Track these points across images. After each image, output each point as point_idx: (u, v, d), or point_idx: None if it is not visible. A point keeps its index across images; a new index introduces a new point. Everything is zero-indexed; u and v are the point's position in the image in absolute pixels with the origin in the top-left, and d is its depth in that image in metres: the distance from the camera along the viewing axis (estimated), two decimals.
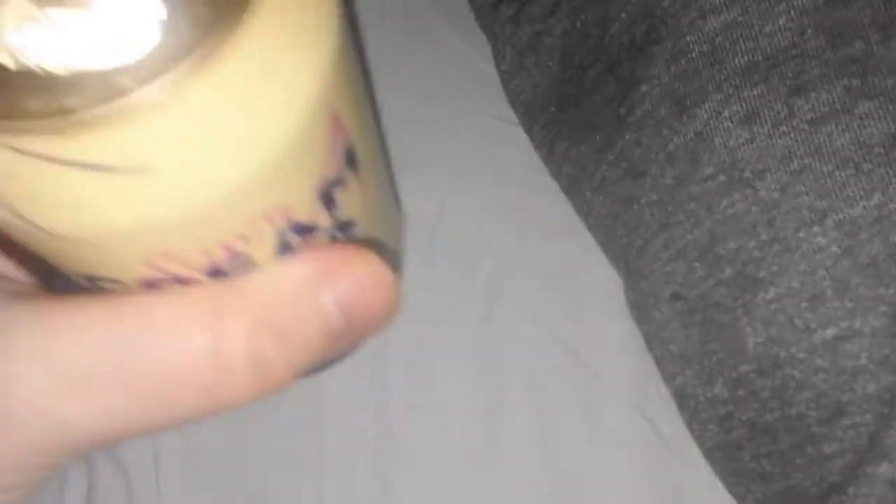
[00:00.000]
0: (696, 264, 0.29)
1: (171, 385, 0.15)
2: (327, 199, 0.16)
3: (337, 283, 0.16)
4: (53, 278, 0.16)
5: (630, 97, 0.31)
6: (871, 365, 0.25)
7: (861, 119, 0.25)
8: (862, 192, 0.25)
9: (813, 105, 0.26)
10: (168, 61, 0.12)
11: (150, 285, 0.15)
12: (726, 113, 0.28)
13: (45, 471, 0.16)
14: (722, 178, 0.28)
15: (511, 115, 0.39)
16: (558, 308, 0.37)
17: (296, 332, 0.16)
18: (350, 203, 0.17)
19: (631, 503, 0.34)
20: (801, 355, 0.27)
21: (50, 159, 0.12)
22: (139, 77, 0.12)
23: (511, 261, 0.37)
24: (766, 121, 0.27)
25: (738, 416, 0.29)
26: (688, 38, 0.29)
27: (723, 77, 0.28)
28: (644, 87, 0.30)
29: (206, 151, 0.13)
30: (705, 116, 0.28)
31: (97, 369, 0.15)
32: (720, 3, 0.28)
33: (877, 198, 0.25)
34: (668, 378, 0.32)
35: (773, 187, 0.27)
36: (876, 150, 0.25)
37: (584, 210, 0.35)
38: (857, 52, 0.26)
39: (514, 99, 0.38)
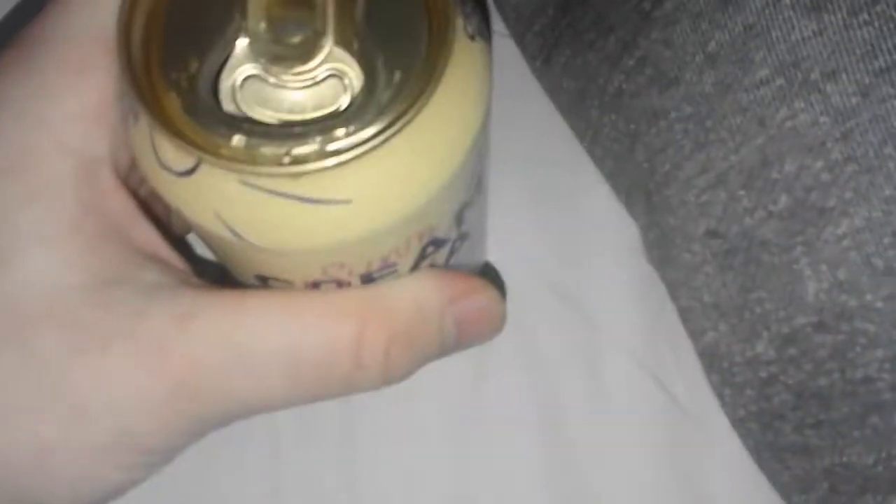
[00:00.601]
0: (742, 192, 0.23)
1: (318, 371, 0.18)
2: (459, 218, 0.20)
3: (459, 306, 0.20)
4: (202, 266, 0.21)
5: None
6: None
7: None
8: None
9: None
10: (373, 121, 0.15)
11: (314, 285, 0.18)
12: None
13: (193, 440, 0.19)
14: (780, 81, 0.22)
15: (498, 24, 0.33)
16: (554, 250, 0.31)
17: (420, 342, 0.19)
18: (471, 218, 0.21)
19: (639, 478, 0.29)
20: (879, 304, 0.21)
21: (274, 193, 0.16)
22: (351, 132, 0.15)
23: (498, 196, 0.31)
24: (839, 7, 0.21)
25: (785, 379, 0.24)
26: None
27: None
28: None
29: (391, 189, 0.16)
30: (759, 4, 0.22)
31: (268, 352, 0.18)
32: None
33: None
34: (695, 334, 0.26)
35: (849, 91, 0.21)
36: None
37: (588, 133, 0.29)
38: None
39: (503, 2, 0.32)
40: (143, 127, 0.17)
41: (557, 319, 0.30)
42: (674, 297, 0.27)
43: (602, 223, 0.31)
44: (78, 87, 0.18)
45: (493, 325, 0.21)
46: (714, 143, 0.24)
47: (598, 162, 0.30)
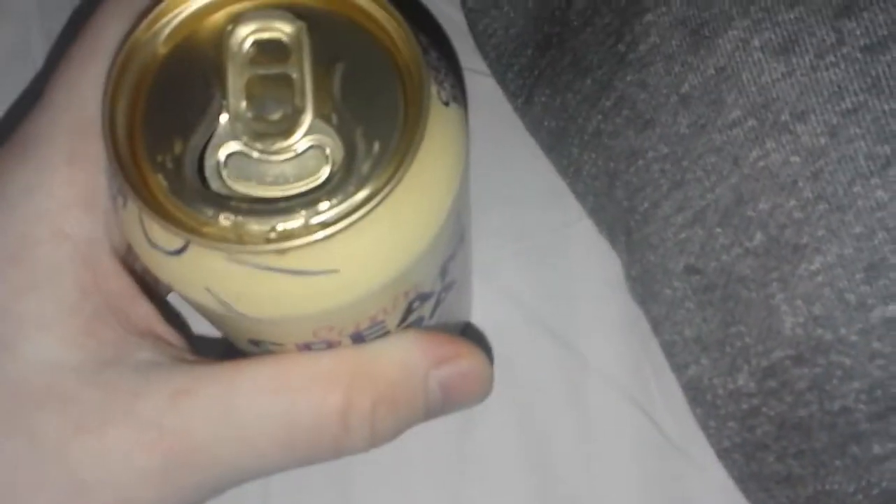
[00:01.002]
0: (718, 230, 0.24)
1: (309, 437, 0.19)
2: (444, 272, 0.20)
3: (444, 369, 0.20)
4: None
5: (632, 30, 0.25)
6: None
7: None
8: None
9: (867, 28, 0.21)
10: (356, 192, 0.16)
11: (305, 347, 0.19)
12: (756, 42, 0.23)
13: None
14: (752, 122, 0.23)
15: (479, 64, 0.33)
16: (539, 286, 0.32)
17: (405, 405, 0.20)
18: (455, 268, 0.21)
19: None
20: (853, 338, 0.22)
21: (263, 268, 0.16)
22: (335, 204, 0.16)
23: (483, 234, 0.31)
24: (807, 50, 0.22)
25: (766, 411, 0.25)
26: None
27: None
28: (649, 17, 0.25)
29: (376, 256, 0.17)
30: (729, 48, 0.23)
31: (260, 423, 0.18)
32: None
33: None
34: (679, 367, 0.27)
35: (818, 131, 0.22)
36: None
37: (569, 171, 0.30)
38: None
39: (484, 42, 0.32)
40: (133, 209, 0.17)
41: (546, 355, 0.31)
42: (657, 331, 0.27)
43: (587, 258, 0.32)
44: (69, 177, 0.19)
45: (480, 390, 0.21)
46: (690, 182, 0.24)
47: (581, 198, 0.30)
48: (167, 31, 0.17)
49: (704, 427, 0.27)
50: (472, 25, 0.32)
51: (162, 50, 0.17)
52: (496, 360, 0.31)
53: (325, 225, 0.15)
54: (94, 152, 0.19)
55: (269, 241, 0.15)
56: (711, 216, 0.24)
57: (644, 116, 0.25)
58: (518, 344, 0.31)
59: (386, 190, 0.16)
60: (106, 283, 0.19)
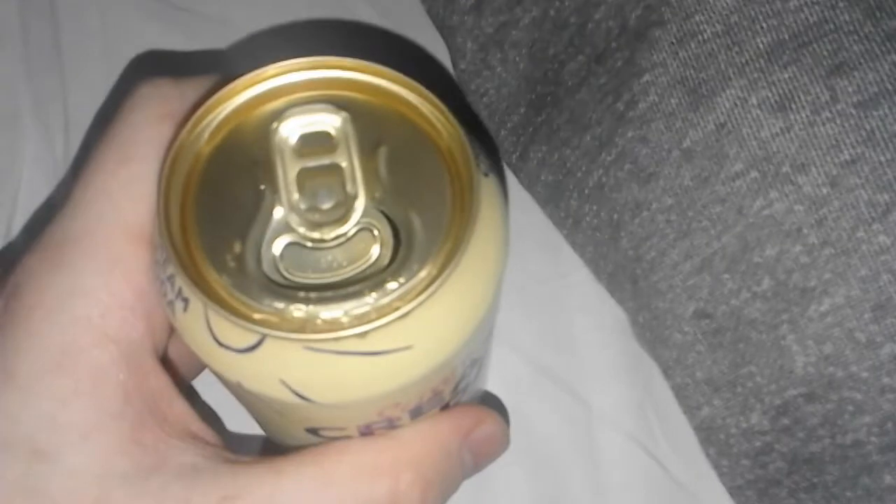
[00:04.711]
0: (726, 276, 0.25)
1: None
2: (489, 334, 0.21)
3: (472, 439, 0.21)
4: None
5: (630, 89, 0.27)
6: None
7: None
8: None
9: (858, 86, 0.23)
10: (421, 269, 0.16)
11: (366, 429, 0.19)
12: (754, 100, 0.24)
13: None
14: (754, 174, 0.24)
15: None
16: (542, 336, 0.33)
17: (450, 483, 0.21)
18: (492, 329, 0.22)
19: None
20: (864, 374, 0.23)
21: (339, 353, 0.16)
22: (403, 283, 0.16)
23: None
24: (803, 106, 0.23)
25: (779, 447, 0.26)
26: (697, 18, 0.25)
27: (744, 60, 0.24)
28: (647, 77, 0.26)
29: (445, 328, 0.17)
30: (728, 105, 0.24)
31: None
32: None
33: None
34: (690, 409, 0.28)
35: (820, 182, 0.23)
36: None
37: (567, 223, 0.31)
38: None
39: (476, 101, 0.33)
40: (196, 312, 0.17)
41: (552, 403, 0.31)
42: (667, 375, 0.28)
43: (584, 307, 0.33)
44: (110, 281, 0.19)
45: (501, 447, 0.23)
46: (696, 231, 0.25)
47: (579, 248, 0.31)
48: (209, 130, 0.17)
49: (717, 466, 0.28)
50: (464, 84, 0.33)
51: (205, 149, 0.17)
52: (507, 409, 0.32)
53: (399, 305, 0.16)
54: (133, 255, 0.19)
55: (348, 325, 0.16)
56: (718, 263, 0.25)
57: (647, 170, 0.26)
58: (525, 394, 0.31)
59: (453, 264, 0.16)
60: (147, 384, 0.19)
